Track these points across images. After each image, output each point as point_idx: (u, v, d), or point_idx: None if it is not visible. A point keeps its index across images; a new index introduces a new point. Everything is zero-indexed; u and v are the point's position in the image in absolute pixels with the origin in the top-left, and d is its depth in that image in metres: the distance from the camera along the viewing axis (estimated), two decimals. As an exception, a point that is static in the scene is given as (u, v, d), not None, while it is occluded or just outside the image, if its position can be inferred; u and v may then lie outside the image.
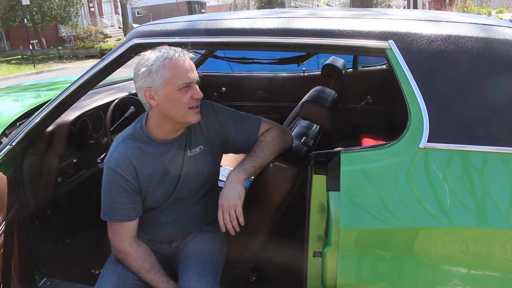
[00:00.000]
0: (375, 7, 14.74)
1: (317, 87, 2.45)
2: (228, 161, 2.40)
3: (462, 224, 1.23)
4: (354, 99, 3.00)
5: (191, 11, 37.75)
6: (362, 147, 1.48)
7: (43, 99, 2.43)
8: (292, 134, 1.80)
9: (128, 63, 1.68)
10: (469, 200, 1.23)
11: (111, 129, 2.29)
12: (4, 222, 1.62)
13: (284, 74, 3.34)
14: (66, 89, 1.70)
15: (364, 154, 1.32)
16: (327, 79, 2.76)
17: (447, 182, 1.24)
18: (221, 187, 1.48)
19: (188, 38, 1.53)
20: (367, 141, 2.52)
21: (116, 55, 1.62)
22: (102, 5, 28.46)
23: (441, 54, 1.30)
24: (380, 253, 1.29)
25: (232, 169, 1.50)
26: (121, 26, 26.14)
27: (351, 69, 3.16)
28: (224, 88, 3.35)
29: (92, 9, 27.27)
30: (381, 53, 1.36)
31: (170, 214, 1.59)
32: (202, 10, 40.01)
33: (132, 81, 1.50)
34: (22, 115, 2.08)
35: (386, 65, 2.95)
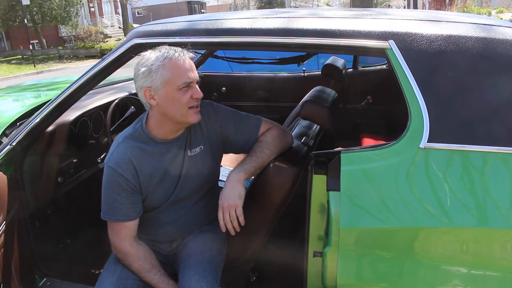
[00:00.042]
0: (375, 7, 14.74)
1: (317, 87, 2.45)
2: (228, 161, 2.40)
3: (463, 224, 1.23)
4: (354, 99, 3.00)
5: (191, 11, 37.75)
6: (362, 147, 1.48)
7: (43, 99, 2.43)
8: (292, 134, 1.80)
9: (128, 63, 1.68)
10: (470, 200, 1.23)
11: (111, 129, 2.29)
12: (4, 222, 1.62)
13: (284, 74, 3.34)
14: (67, 89, 1.70)
15: (364, 154, 1.33)
16: (327, 79, 2.76)
17: (448, 182, 1.24)
18: (221, 187, 1.48)
19: (189, 38, 1.53)
20: (367, 141, 2.52)
21: (116, 55, 1.62)
22: (102, 5, 28.46)
23: (441, 54, 1.30)
24: (380, 253, 1.29)
25: (232, 169, 1.50)
26: (121, 26, 26.14)
27: (351, 69, 3.16)
28: (224, 88, 3.35)
29: (92, 9, 27.27)
30: (381, 53, 1.36)
31: (170, 214, 1.59)
32: (202, 10, 40.02)
33: (132, 81, 1.50)
34: (22, 115, 2.08)
35: (386, 65, 2.95)
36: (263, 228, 1.65)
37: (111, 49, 1.92)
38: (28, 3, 17.37)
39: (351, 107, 3.02)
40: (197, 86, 1.44)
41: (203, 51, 2.59)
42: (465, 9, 23.83)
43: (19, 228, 1.77)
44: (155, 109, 1.46)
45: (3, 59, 19.44)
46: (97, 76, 1.67)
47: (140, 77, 1.41)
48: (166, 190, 1.54)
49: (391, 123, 2.50)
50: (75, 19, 22.23)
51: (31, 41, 18.70)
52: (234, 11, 28.68)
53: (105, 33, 24.90)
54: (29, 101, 2.51)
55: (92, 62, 14.75)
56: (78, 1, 22.11)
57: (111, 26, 28.09)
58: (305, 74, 3.22)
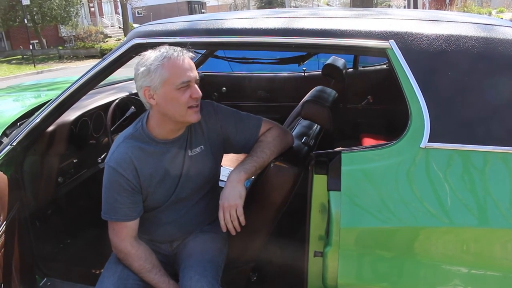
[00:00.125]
0: (376, 7, 14.73)
1: (318, 87, 2.45)
2: (229, 161, 2.40)
3: (463, 223, 1.23)
4: (355, 99, 3.01)
5: (191, 11, 37.76)
6: (363, 147, 1.48)
7: (43, 99, 2.43)
8: (293, 134, 1.80)
9: (128, 63, 1.68)
10: (470, 199, 1.23)
11: (111, 129, 2.29)
12: (5, 222, 1.62)
13: (285, 74, 3.34)
14: (67, 89, 1.70)
15: (365, 154, 1.32)
16: (327, 79, 2.76)
17: (448, 181, 1.24)
18: (222, 187, 1.48)
19: (189, 38, 1.53)
20: (368, 141, 2.52)
21: (117, 55, 1.62)
22: (102, 5, 28.47)
23: (442, 54, 1.29)
24: (381, 253, 1.29)
25: (232, 169, 1.50)
26: (121, 26, 26.14)
27: (351, 69, 3.16)
28: (224, 88, 3.35)
29: (92, 9, 27.28)
30: (381, 53, 1.36)
31: (171, 214, 1.59)
32: (202, 10, 40.02)
33: (133, 81, 1.50)
34: (23, 115, 2.08)
35: (387, 65, 2.95)
36: (264, 228, 1.65)
37: (111, 49, 1.93)
38: (28, 3, 17.38)
39: (352, 107, 3.02)
40: (196, 86, 1.43)
41: (203, 51, 2.59)
42: (466, 9, 23.82)
43: (19, 228, 1.77)
44: (155, 109, 1.46)
45: (3, 59, 19.44)
46: (97, 76, 1.67)
47: (140, 77, 1.41)
48: (167, 190, 1.54)
49: (391, 123, 2.50)
50: (75, 19, 22.24)
51: (31, 41, 18.70)
52: (234, 11, 28.68)
53: (105, 33, 24.92)
54: (29, 101, 2.51)
55: (92, 62, 14.75)
56: (78, 1, 22.12)
57: (111, 26, 28.09)
58: (306, 74, 3.22)
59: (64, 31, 23.76)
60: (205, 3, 42.54)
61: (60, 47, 20.60)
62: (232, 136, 1.59)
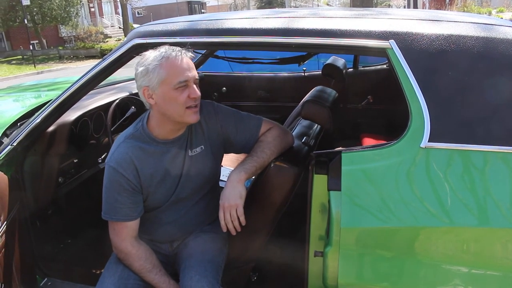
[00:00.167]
0: (375, 7, 14.73)
1: (318, 87, 2.45)
2: (229, 161, 2.40)
3: (463, 223, 1.23)
4: (355, 99, 3.01)
5: (191, 11, 37.76)
6: (363, 147, 1.48)
7: (43, 99, 2.43)
8: (293, 134, 1.81)
9: (129, 63, 1.68)
10: (470, 199, 1.23)
11: (112, 129, 2.29)
12: (5, 222, 1.62)
13: (285, 74, 3.35)
14: (67, 89, 1.70)
15: (365, 154, 1.32)
16: (327, 79, 2.76)
17: (448, 181, 1.24)
18: (222, 187, 1.48)
19: (189, 38, 1.53)
20: (368, 141, 2.52)
21: (117, 55, 1.62)
22: (102, 5, 28.46)
23: (442, 53, 1.30)
24: (381, 252, 1.29)
25: (233, 169, 1.50)
26: (121, 26, 26.14)
27: (351, 69, 3.16)
28: (224, 88, 3.35)
29: (92, 9, 27.28)
30: (382, 52, 1.36)
31: (171, 214, 1.59)
32: (202, 10, 40.02)
33: (133, 81, 1.50)
34: (23, 115, 2.08)
35: (387, 64, 2.95)
36: (264, 228, 1.65)
37: (111, 49, 1.93)
38: (28, 3, 17.39)
39: (352, 107, 3.02)
40: (194, 86, 1.42)
41: (203, 51, 2.59)
42: (465, 9, 23.81)
43: (20, 228, 1.77)
44: (155, 109, 1.46)
45: (3, 60, 19.45)
46: (97, 76, 1.67)
47: (139, 77, 1.42)
48: (167, 190, 1.54)
49: (391, 122, 2.49)
50: (75, 19, 22.23)
51: (31, 42, 18.71)
52: (234, 11, 28.68)
53: (105, 33, 24.91)
54: (29, 102, 2.52)
55: (92, 62, 14.75)
56: (78, 1, 22.12)
57: (111, 26, 28.09)
58: (306, 74, 3.22)
59: (64, 31, 23.76)
60: (205, 3, 42.55)
61: (60, 48, 20.61)
62: (232, 136, 1.59)
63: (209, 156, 1.58)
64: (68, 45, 22.84)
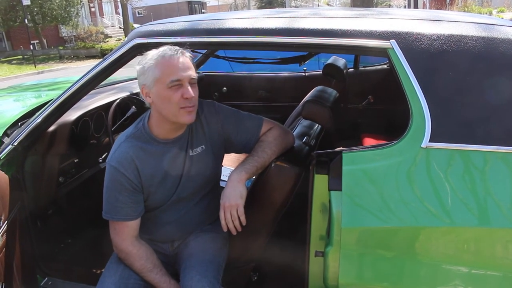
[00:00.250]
0: (376, 7, 14.73)
1: (319, 87, 2.45)
2: (230, 161, 2.40)
3: (464, 223, 1.23)
4: (356, 99, 3.00)
5: (191, 11, 37.76)
6: (363, 147, 1.48)
7: (44, 99, 2.43)
8: (294, 134, 1.80)
9: (129, 62, 1.68)
10: (471, 199, 1.23)
11: (112, 129, 2.29)
12: (6, 222, 1.62)
13: (285, 74, 3.35)
14: (68, 89, 1.70)
15: (365, 154, 1.32)
16: (328, 79, 2.76)
17: (449, 181, 1.24)
18: (223, 187, 1.48)
19: (190, 38, 1.53)
20: (369, 141, 2.52)
21: (118, 55, 1.62)
22: (103, 5, 28.46)
23: (443, 53, 1.29)
24: (382, 252, 1.29)
25: (233, 169, 1.50)
26: (122, 26, 26.14)
27: (352, 69, 3.16)
28: (225, 88, 3.35)
29: (92, 9, 27.28)
30: (382, 52, 1.36)
31: (172, 213, 1.59)
32: (203, 10, 40.02)
33: (133, 81, 1.51)
34: (24, 115, 2.08)
35: (388, 64, 2.95)
36: (265, 228, 1.65)
37: (111, 49, 1.93)
38: (29, 3, 17.40)
39: (352, 107, 3.02)
40: (189, 86, 1.40)
41: (204, 51, 2.59)
42: (466, 9, 23.80)
43: (20, 228, 1.77)
44: (153, 108, 1.47)
45: (4, 59, 19.45)
46: (98, 76, 1.67)
47: (138, 75, 1.44)
48: (168, 189, 1.54)
49: (392, 123, 2.49)
50: (76, 19, 22.24)
51: (32, 41, 18.71)
52: (234, 11, 28.69)
53: (105, 33, 24.91)
54: (30, 101, 2.52)
55: (92, 62, 14.76)
56: (79, 1, 22.12)
57: (112, 26, 28.09)
58: (306, 74, 3.22)
59: (65, 31, 23.76)
60: (205, 3, 42.54)
61: (61, 47, 20.61)
62: (233, 136, 1.59)
63: (210, 156, 1.58)
64: (68, 45, 22.84)
